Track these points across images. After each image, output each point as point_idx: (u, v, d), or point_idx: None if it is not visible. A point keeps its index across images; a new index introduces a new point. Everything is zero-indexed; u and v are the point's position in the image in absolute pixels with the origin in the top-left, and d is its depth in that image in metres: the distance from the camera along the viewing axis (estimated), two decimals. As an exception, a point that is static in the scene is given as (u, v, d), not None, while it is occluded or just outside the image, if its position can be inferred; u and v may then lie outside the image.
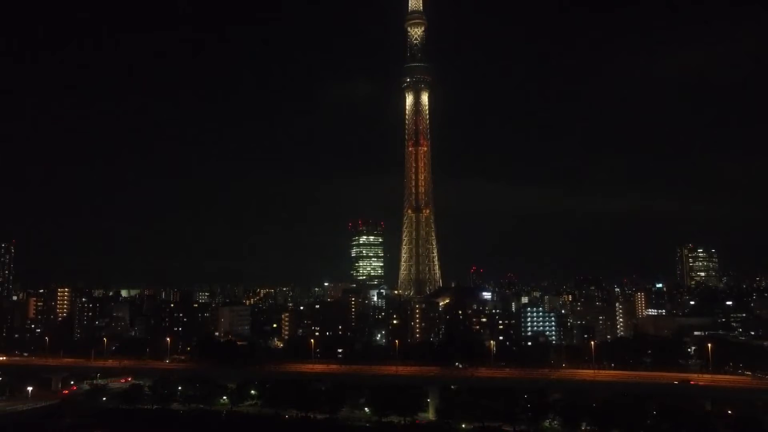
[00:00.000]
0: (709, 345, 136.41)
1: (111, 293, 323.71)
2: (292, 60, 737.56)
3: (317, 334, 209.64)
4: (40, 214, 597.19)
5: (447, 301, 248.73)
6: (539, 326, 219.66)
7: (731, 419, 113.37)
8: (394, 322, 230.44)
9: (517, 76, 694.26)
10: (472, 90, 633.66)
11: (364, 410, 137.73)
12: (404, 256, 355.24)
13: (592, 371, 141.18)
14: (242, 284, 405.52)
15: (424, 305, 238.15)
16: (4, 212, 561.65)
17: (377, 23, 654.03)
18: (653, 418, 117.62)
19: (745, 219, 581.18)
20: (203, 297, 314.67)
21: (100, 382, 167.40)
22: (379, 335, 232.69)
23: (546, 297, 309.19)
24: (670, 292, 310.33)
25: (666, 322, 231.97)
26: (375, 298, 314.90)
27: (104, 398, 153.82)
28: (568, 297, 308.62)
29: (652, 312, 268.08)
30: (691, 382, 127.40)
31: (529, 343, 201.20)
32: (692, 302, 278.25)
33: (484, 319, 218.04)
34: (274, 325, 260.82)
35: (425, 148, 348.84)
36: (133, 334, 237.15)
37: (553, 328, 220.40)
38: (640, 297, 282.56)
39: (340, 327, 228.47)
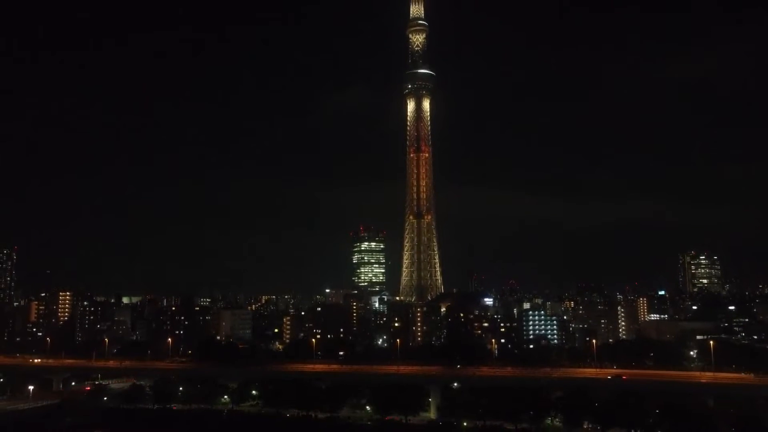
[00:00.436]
0: (711, 342, 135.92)
1: (113, 300, 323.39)
2: (292, 60, 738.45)
3: (318, 336, 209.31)
4: (41, 219, 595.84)
5: (449, 305, 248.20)
6: (541, 330, 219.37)
7: (734, 417, 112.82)
8: (396, 325, 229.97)
9: (518, 81, 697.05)
10: (472, 95, 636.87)
11: (366, 409, 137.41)
12: (406, 262, 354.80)
13: (594, 369, 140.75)
14: (242, 292, 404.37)
15: (425, 308, 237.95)
16: (6, 218, 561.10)
17: (378, 27, 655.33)
18: (655, 416, 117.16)
19: (747, 224, 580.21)
20: (204, 302, 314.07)
21: (101, 382, 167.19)
22: (380, 340, 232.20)
23: (548, 303, 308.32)
24: (673, 298, 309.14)
25: (668, 326, 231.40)
26: (377, 304, 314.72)
27: (105, 398, 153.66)
28: (570, 303, 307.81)
29: (654, 317, 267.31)
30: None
31: (531, 346, 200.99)
32: (694, 307, 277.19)
33: (485, 324, 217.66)
34: (276, 330, 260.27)
35: (427, 154, 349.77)
36: (134, 338, 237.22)
37: (555, 331, 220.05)
38: (642, 302, 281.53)
39: (341, 330, 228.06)
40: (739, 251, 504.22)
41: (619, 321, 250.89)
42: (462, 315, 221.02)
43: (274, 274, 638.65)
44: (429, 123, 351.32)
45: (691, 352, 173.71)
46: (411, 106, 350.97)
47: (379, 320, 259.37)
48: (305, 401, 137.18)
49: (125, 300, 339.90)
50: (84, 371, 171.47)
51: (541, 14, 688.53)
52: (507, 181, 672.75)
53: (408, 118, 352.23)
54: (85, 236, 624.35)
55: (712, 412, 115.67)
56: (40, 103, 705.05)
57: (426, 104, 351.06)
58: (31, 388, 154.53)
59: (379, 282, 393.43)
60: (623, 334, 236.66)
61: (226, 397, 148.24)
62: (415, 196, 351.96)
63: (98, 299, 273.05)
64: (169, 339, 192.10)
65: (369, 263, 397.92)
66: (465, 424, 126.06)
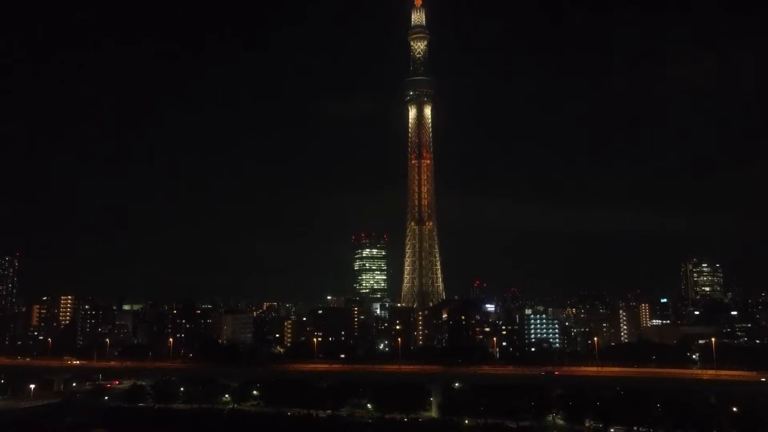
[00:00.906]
0: (713, 339, 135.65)
1: (114, 308, 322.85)
2: (292, 61, 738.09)
3: (320, 339, 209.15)
4: (42, 225, 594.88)
5: (450, 309, 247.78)
6: (542, 333, 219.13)
7: (735, 414, 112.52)
8: (397, 327, 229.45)
9: (519, 89, 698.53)
10: (473, 103, 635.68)
11: (367, 407, 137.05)
12: (407, 268, 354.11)
13: (596, 368, 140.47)
14: (243, 299, 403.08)
15: (427, 312, 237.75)
16: (6, 220, 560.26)
17: (380, 30, 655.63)
18: (657, 413, 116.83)
19: (748, 233, 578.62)
20: (206, 308, 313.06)
21: (102, 383, 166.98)
22: (382, 345, 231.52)
23: (549, 309, 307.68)
24: (675, 304, 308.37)
25: (670, 331, 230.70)
26: (378, 311, 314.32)
27: (106, 397, 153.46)
28: (571, 310, 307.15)
29: (657, 323, 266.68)
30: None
31: (533, 349, 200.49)
32: (697, 312, 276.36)
33: (487, 328, 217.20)
34: (277, 335, 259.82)
35: (428, 161, 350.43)
36: (135, 341, 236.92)
37: (557, 334, 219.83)
38: (644, 308, 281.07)
39: (342, 333, 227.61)
40: (742, 260, 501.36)
41: (621, 326, 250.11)
42: (463, 318, 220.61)
43: (274, 282, 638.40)
44: (430, 130, 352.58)
45: (694, 356, 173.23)
46: (412, 112, 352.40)
47: (381, 326, 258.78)
48: (306, 400, 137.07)
49: (126, 308, 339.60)
50: (85, 371, 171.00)
51: (541, 20, 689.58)
52: (508, 188, 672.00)
53: (409, 125, 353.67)
54: (84, 238, 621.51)
55: (714, 408, 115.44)
56: (39, 104, 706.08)
57: (427, 111, 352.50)
58: (32, 386, 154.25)
59: (381, 289, 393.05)
60: (625, 339, 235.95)
61: (227, 396, 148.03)
62: (416, 202, 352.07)
63: (100, 303, 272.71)
64: (170, 340, 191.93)
65: (370, 270, 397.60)
66: (466, 422, 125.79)
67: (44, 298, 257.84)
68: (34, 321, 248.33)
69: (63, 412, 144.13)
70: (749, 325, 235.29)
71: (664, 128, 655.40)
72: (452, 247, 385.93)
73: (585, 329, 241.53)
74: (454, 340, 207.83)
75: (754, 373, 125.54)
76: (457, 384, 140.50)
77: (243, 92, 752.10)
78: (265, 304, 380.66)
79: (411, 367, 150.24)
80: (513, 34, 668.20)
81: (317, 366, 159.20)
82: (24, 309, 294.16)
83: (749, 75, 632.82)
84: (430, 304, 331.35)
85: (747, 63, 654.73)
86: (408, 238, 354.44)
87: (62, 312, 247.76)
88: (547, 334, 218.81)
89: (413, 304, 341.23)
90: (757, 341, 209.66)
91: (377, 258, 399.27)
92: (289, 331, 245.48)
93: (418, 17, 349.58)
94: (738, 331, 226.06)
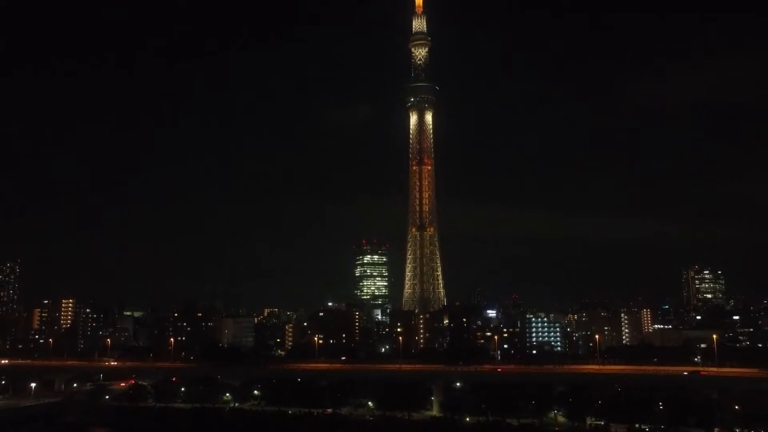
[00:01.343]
0: (715, 337, 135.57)
1: (116, 313, 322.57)
2: (294, 66, 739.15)
3: (321, 341, 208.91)
4: (43, 231, 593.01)
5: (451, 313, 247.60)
6: (543, 337, 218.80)
7: (736, 410, 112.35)
8: (398, 329, 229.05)
9: (519, 97, 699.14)
10: (474, 110, 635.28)
11: (368, 406, 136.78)
12: (408, 274, 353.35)
13: (597, 366, 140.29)
14: (243, 306, 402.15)
15: (428, 315, 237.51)
16: (6, 224, 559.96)
17: (381, 40, 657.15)
18: (659, 410, 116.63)
19: (749, 241, 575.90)
20: (208, 306, 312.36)
21: (103, 382, 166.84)
22: (383, 348, 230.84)
23: (551, 315, 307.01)
24: (677, 309, 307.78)
25: (672, 334, 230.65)
26: (379, 316, 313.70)
27: (107, 397, 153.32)
28: (573, 316, 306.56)
29: (659, 327, 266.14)
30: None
31: (534, 352, 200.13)
32: (698, 317, 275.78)
33: (488, 333, 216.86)
34: (278, 339, 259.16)
35: (429, 167, 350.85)
36: (136, 344, 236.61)
37: (558, 338, 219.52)
38: (646, 313, 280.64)
39: (343, 336, 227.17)
40: (744, 267, 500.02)
41: (623, 330, 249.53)
42: (465, 321, 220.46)
43: (274, 288, 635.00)
44: (431, 136, 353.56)
45: (696, 359, 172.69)
46: (413, 119, 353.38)
47: (382, 330, 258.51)
48: (307, 399, 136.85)
49: (127, 313, 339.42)
50: (86, 371, 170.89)
51: (542, 27, 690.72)
52: (508, 195, 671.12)
53: (410, 131, 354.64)
54: (84, 242, 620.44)
55: (715, 404, 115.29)
56: (41, 107, 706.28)
57: (428, 117, 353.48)
58: (33, 385, 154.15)
59: (382, 295, 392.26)
60: (627, 343, 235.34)
61: (228, 395, 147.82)
62: (417, 208, 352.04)
63: (101, 307, 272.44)
64: (171, 341, 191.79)
65: (372, 276, 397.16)
66: (467, 419, 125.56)
67: (45, 302, 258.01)
68: (35, 324, 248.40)
69: (64, 411, 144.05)
70: (751, 329, 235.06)
71: (665, 135, 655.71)
72: (453, 253, 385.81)
73: (586, 332, 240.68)
74: (456, 342, 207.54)
75: (756, 370, 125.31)
76: (458, 383, 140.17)
77: (243, 95, 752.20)
78: (266, 311, 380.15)
79: (412, 366, 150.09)
80: (513, 42, 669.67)
81: (318, 365, 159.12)
82: (25, 314, 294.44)
83: (750, 82, 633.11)
84: (432, 310, 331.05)
85: (748, 70, 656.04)
86: (409, 244, 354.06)
87: (63, 315, 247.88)
88: (549, 337, 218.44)
89: (415, 310, 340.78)
90: (759, 345, 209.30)
91: (378, 264, 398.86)
92: (290, 334, 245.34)
93: (419, 24, 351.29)
94: (740, 335, 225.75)
